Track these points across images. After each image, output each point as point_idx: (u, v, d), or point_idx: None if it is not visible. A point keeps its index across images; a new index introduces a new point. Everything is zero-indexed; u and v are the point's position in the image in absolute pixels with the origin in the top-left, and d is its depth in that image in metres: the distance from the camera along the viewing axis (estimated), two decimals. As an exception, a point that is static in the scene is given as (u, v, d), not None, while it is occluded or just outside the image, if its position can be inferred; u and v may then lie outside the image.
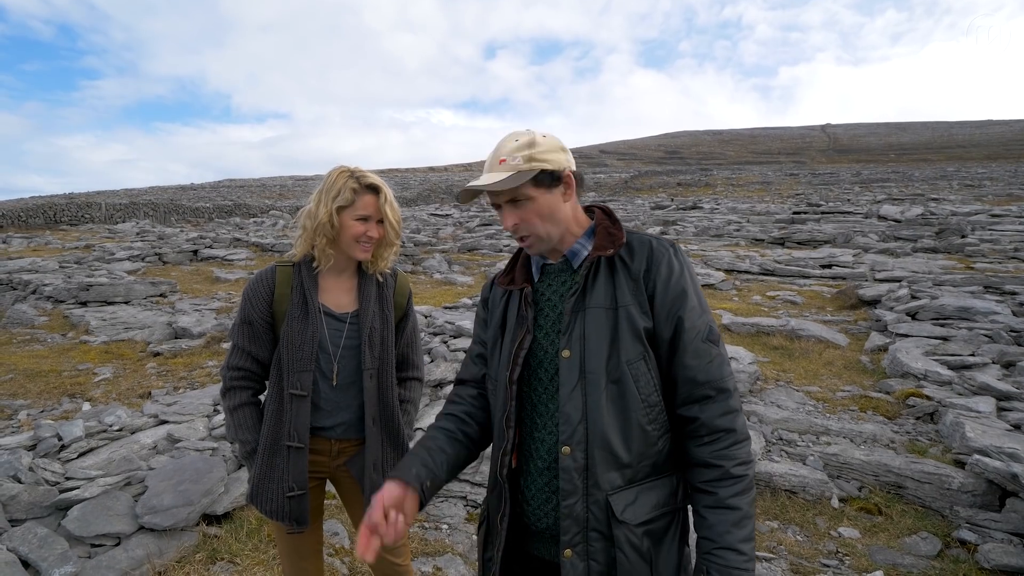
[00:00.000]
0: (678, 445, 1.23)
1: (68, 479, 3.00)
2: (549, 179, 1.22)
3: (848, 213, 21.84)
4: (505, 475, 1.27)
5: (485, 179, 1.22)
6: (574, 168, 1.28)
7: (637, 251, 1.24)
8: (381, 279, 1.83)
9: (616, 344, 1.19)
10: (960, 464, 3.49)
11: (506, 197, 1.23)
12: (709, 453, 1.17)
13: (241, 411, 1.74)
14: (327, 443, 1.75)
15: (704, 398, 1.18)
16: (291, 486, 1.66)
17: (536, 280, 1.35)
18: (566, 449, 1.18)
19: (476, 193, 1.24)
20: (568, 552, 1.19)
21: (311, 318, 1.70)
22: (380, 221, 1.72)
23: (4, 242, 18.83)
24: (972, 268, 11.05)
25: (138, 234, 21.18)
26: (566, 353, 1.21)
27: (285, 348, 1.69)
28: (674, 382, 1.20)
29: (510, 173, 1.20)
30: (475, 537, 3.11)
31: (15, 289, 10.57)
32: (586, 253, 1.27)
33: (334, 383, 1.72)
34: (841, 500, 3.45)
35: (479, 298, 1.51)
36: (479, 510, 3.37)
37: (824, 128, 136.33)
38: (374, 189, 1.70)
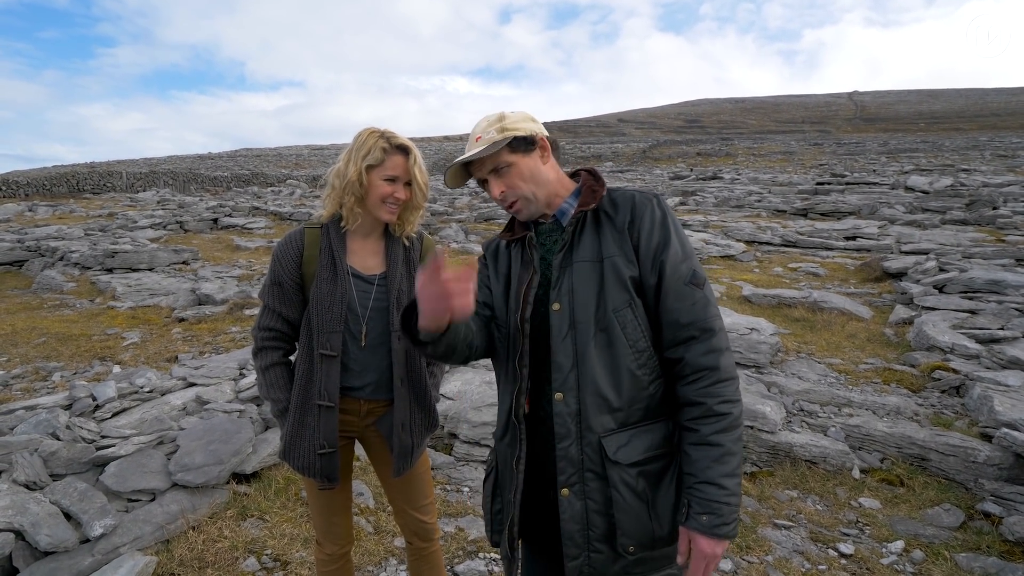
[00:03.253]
0: (670, 389, 1.27)
1: (103, 437, 3.10)
2: (524, 144, 1.30)
3: (874, 184, 21.25)
4: (521, 416, 1.32)
5: (465, 156, 1.31)
6: (547, 134, 1.35)
7: (621, 205, 1.29)
8: (408, 243, 1.83)
9: (603, 294, 1.24)
10: (987, 438, 3.44)
11: (488, 168, 1.31)
12: (693, 391, 1.20)
13: (272, 371, 1.77)
14: (356, 403, 1.77)
15: (688, 339, 1.22)
16: (322, 444, 1.69)
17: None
18: (559, 395, 1.25)
19: (464, 177, 1.36)
20: (565, 491, 1.26)
21: (339, 279, 1.70)
22: (408, 184, 1.71)
23: (31, 210, 19.18)
24: (1003, 241, 10.72)
25: (159, 202, 21.42)
26: (556, 306, 1.27)
27: (314, 309, 1.70)
28: (661, 326, 1.24)
29: (486, 145, 1.29)
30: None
31: (43, 256, 10.80)
32: (573, 211, 1.32)
33: (363, 344, 1.73)
34: (862, 471, 3.44)
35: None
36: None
37: (851, 96, 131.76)
38: (404, 150, 1.69)
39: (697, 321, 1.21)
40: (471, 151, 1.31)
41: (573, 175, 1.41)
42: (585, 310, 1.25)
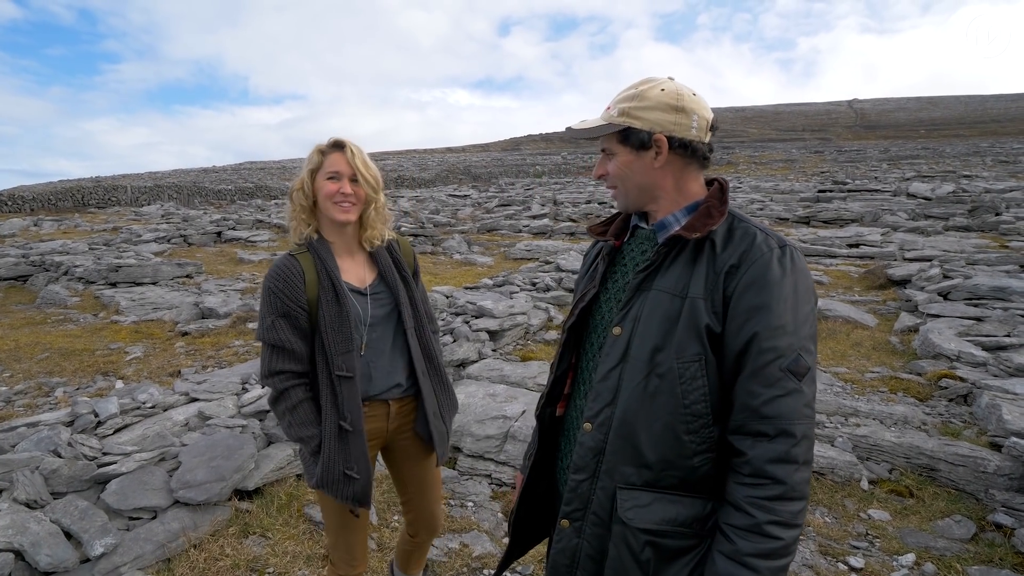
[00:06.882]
0: (722, 471, 1.07)
1: (105, 454, 3.08)
2: (637, 139, 1.12)
3: (876, 191, 21.23)
4: (546, 417, 1.31)
5: (577, 125, 1.20)
6: (685, 134, 1.11)
7: (735, 241, 1.07)
8: (387, 248, 1.87)
9: (672, 335, 1.05)
10: (996, 447, 3.40)
11: (600, 145, 1.19)
12: (744, 496, 1.00)
13: (300, 408, 1.71)
14: (384, 405, 1.81)
15: (759, 434, 1.00)
16: (352, 466, 1.68)
17: (627, 239, 1.27)
18: (587, 426, 1.14)
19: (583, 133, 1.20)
20: (565, 522, 1.17)
21: (342, 298, 1.72)
22: (354, 180, 1.71)
23: (36, 225, 19.29)
24: (1007, 247, 10.67)
25: (163, 216, 21.53)
26: (616, 330, 1.13)
27: (327, 332, 1.69)
28: (732, 403, 1.04)
29: (602, 122, 1.15)
30: (500, 515, 3.15)
31: (48, 271, 10.84)
32: (675, 229, 1.14)
33: (362, 353, 1.75)
34: (871, 482, 3.40)
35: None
36: (503, 488, 3.40)
37: (851, 103, 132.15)
38: (339, 146, 1.72)
39: (780, 418, 0.98)
40: (593, 118, 1.19)
41: (709, 183, 1.22)
42: (644, 346, 1.07)
